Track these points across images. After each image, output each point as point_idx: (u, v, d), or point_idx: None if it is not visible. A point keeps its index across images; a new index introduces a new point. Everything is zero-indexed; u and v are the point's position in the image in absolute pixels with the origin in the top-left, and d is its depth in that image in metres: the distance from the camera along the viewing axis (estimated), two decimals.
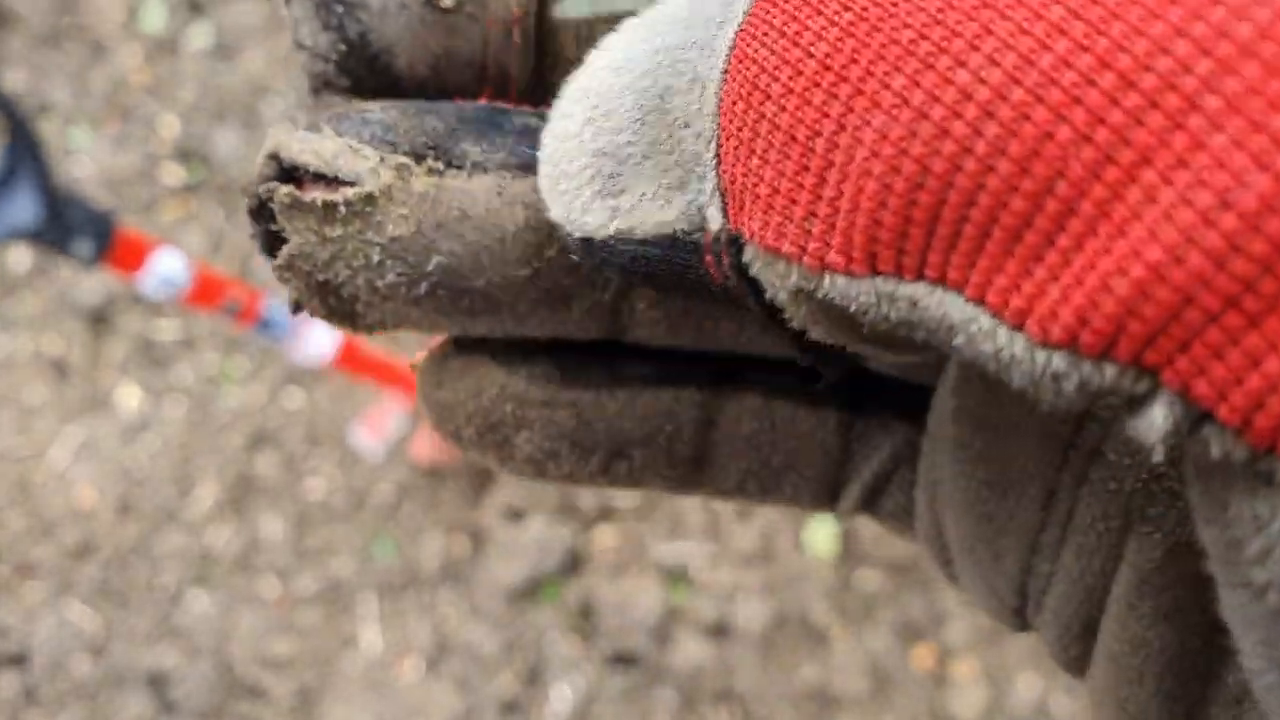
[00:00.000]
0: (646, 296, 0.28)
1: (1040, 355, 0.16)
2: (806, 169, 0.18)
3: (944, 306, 0.17)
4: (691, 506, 1.76)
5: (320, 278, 0.26)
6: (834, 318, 0.20)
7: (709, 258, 0.22)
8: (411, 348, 1.82)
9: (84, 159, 2.00)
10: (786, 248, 0.19)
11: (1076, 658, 0.27)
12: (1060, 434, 0.26)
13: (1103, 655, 0.26)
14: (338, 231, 0.25)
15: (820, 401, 0.29)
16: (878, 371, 0.29)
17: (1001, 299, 0.16)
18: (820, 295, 0.19)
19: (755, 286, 0.21)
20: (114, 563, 1.81)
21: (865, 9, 0.18)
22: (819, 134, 0.18)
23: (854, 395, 0.30)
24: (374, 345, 1.59)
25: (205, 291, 1.25)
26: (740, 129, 0.20)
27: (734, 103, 0.20)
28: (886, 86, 0.17)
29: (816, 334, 0.22)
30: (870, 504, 0.30)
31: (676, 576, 1.75)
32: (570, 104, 0.23)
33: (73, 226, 1.11)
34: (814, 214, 0.18)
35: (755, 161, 0.19)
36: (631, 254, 0.23)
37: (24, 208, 1.08)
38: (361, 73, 0.27)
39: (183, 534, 1.82)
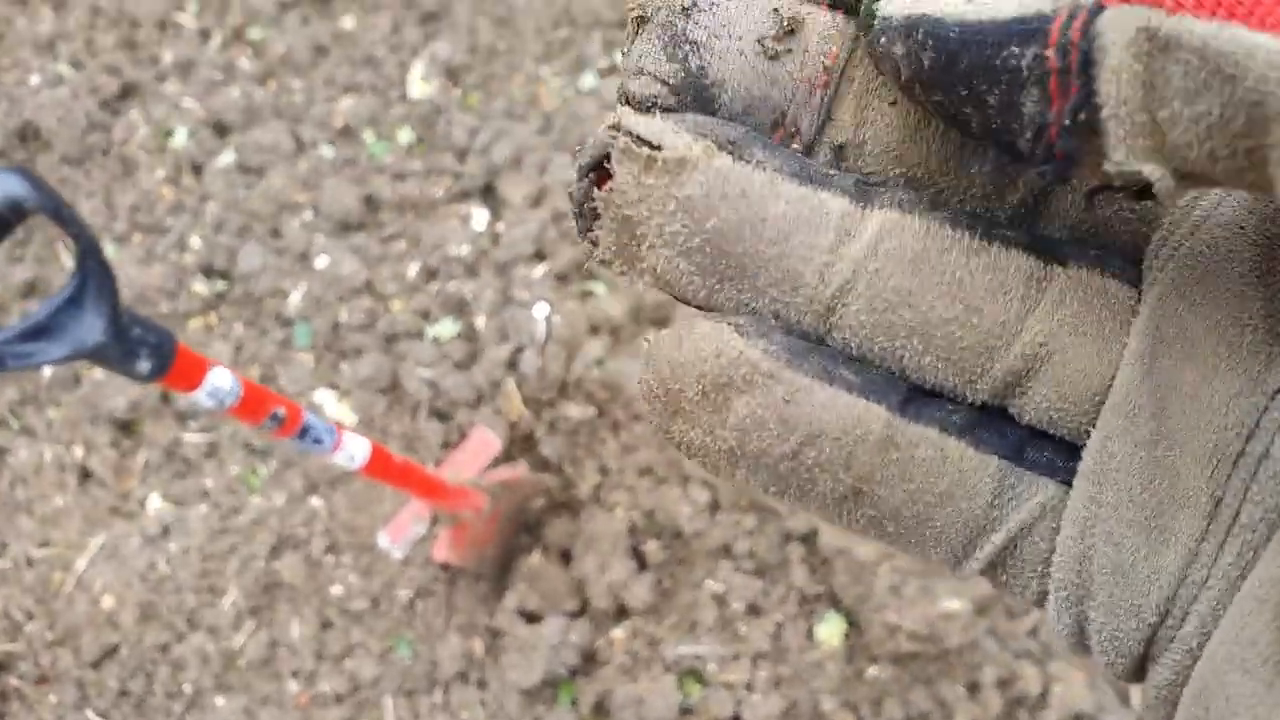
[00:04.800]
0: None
1: None
2: None
3: None
4: (704, 603, 1.81)
5: (627, 212, 0.33)
6: (1157, 74, 0.24)
7: (1054, 25, 0.25)
8: (428, 459, 1.88)
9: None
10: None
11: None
12: (1232, 447, 0.29)
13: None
14: (651, 180, 0.32)
15: (985, 444, 0.33)
16: (1038, 428, 0.33)
17: None
18: (1163, 38, 0.23)
19: (1086, 65, 0.25)
20: (135, 670, 1.84)
21: None
22: None
23: (1015, 446, 0.33)
24: (400, 454, 1.65)
25: (253, 405, 1.31)
26: None
27: None
28: None
29: (1120, 111, 0.25)
30: (1006, 555, 0.33)
31: (690, 674, 1.79)
32: None
33: (137, 345, 1.16)
34: None
35: None
36: (957, 38, 0.27)
37: (90, 327, 1.13)
38: (688, 99, 0.35)
39: (205, 638, 1.85)
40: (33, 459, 1.99)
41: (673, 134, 0.33)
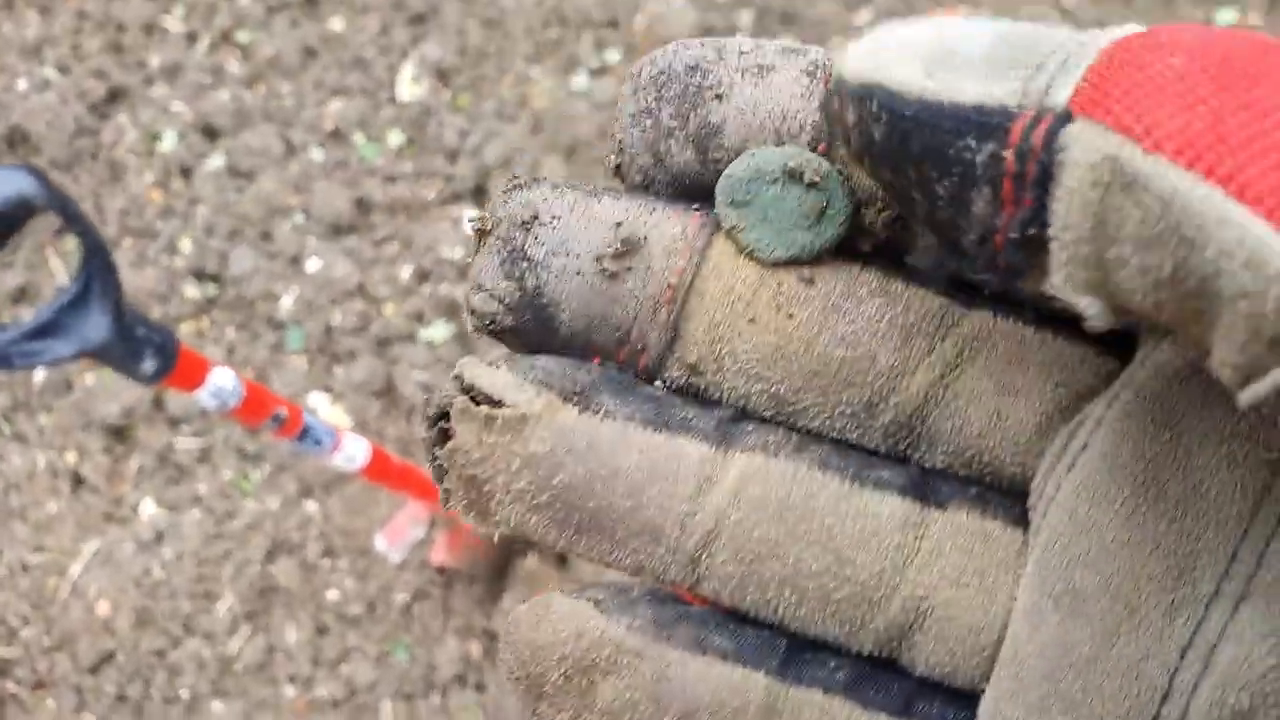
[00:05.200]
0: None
1: None
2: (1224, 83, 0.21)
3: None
4: None
5: (470, 471, 0.32)
6: (1112, 210, 0.22)
7: (1017, 125, 0.24)
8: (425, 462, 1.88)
9: None
10: (1140, 129, 0.22)
11: None
12: (1256, 485, 0.27)
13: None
14: (492, 438, 0.32)
15: (872, 703, 0.31)
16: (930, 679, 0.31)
17: None
18: (1129, 174, 0.22)
19: (1043, 179, 0.23)
20: (131, 675, 1.83)
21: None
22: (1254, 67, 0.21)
23: (905, 699, 0.31)
24: (399, 457, 1.65)
25: (254, 406, 1.31)
26: (1143, 61, 0.23)
27: (1128, 46, 0.23)
28: None
29: (1064, 236, 0.23)
30: None
31: None
32: (902, 23, 0.27)
33: (141, 344, 1.16)
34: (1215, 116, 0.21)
35: (1157, 68, 0.22)
36: (912, 116, 0.25)
37: (96, 326, 1.12)
38: (526, 319, 0.34)
39: (201, 644, 1.84)
40: (26, 465, 1.98)
41: (515, 388, 0.32)
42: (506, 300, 0.33)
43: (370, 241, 2.05)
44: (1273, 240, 0.20)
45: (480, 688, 1.80)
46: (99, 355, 1.14)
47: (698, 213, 0.34)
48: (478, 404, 0.32)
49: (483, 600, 1.86)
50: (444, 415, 0.33)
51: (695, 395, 0.34)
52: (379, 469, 1.54)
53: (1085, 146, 0.22)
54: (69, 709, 1.82)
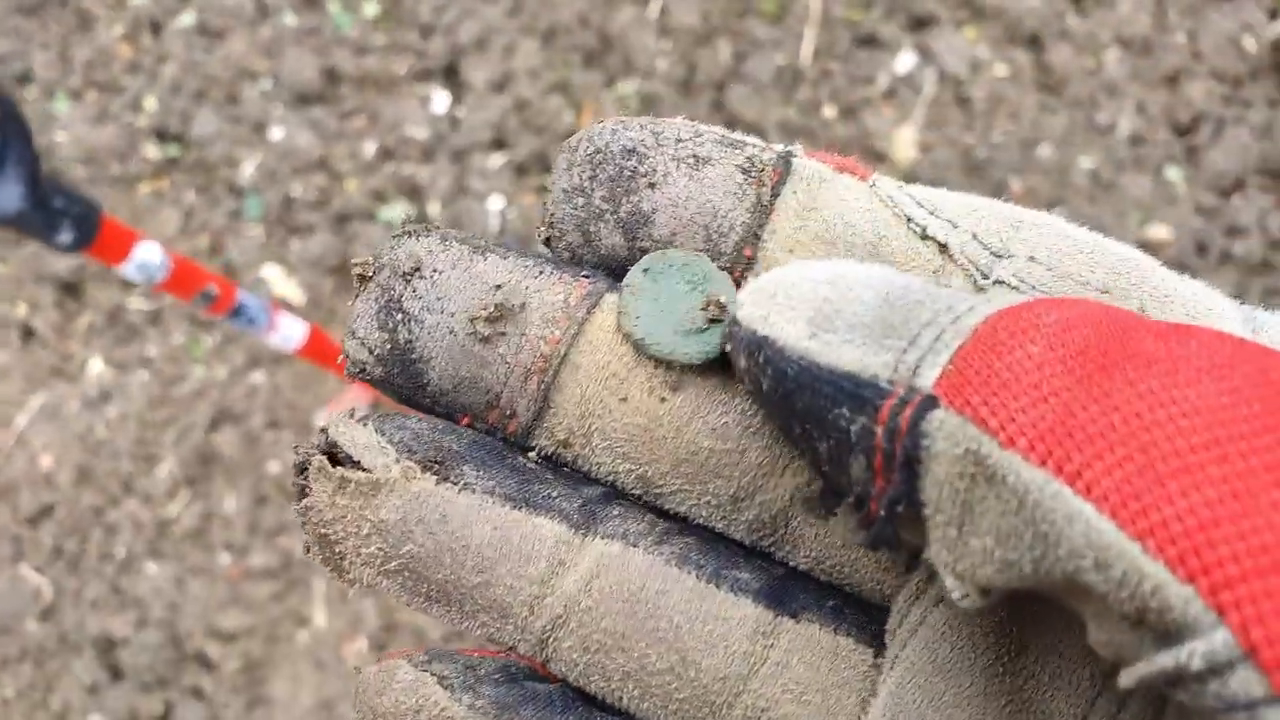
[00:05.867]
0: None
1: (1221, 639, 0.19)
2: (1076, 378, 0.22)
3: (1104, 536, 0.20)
4: None
5: (322, 530, 0.32)
6: (977, 502, 0.23)
7: (886, 404, 0.25)
8: None
9: (62, 130, 2.03)
10: (996, 424, 0.22)
11: None
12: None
13: None
14: (344, 501, 0.32)
15: None
16: None
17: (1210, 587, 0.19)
18: (989, 469, 0.22)
19: (909, 462, 0.24)
20: (70, 530, 1.85)
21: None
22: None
23: None
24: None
25: (183, 280, 1.29)
26: (1005, 347, 0.24)
27: (1001, 327, 0.24)
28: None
29: (936, 518, 0.24)
30: None
31: None
32: (803, 264, 0.29)
33: (58, 215, 1.13)
34: (1068, 416, 0.22)
35: (1016, 356, 0.23)
36: (794, 376, 0.26)
37: (8, 195, 1.10)
38: (394, 373, 0.33)
39: (140, 505, 1.86)
40: None
41: (375, 451, 0.32)
42: (376, 351, 0.33)
43: (337, 114, 2.01)
44: (1118, 541, 0.20)
45: None
46: (11, 224, 1.12)
47: (585, 280, 0.34)
48: (337, 463, 0.32)
49: None
50: (305, 467, 0.33)
51: (567, 465, 0.34)
52: (317, 350, 1.53)
53: (948, 437, 0.23)
54: (6, 557, 1.84)
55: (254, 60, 2.05)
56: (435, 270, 0.33)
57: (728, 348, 0.30)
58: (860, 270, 0.28)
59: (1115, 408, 0.21)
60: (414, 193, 1.94)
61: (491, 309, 0.33)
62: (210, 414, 1.89)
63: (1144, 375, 0.22)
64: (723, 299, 0.32)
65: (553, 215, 0.34)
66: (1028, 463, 0.22)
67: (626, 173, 0.33)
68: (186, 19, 2.08)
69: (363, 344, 0.33)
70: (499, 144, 1.95)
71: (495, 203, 1.90)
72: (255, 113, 2.01)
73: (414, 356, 0.33)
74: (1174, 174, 1.89)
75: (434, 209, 1.92)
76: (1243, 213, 1.85)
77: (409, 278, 0.33)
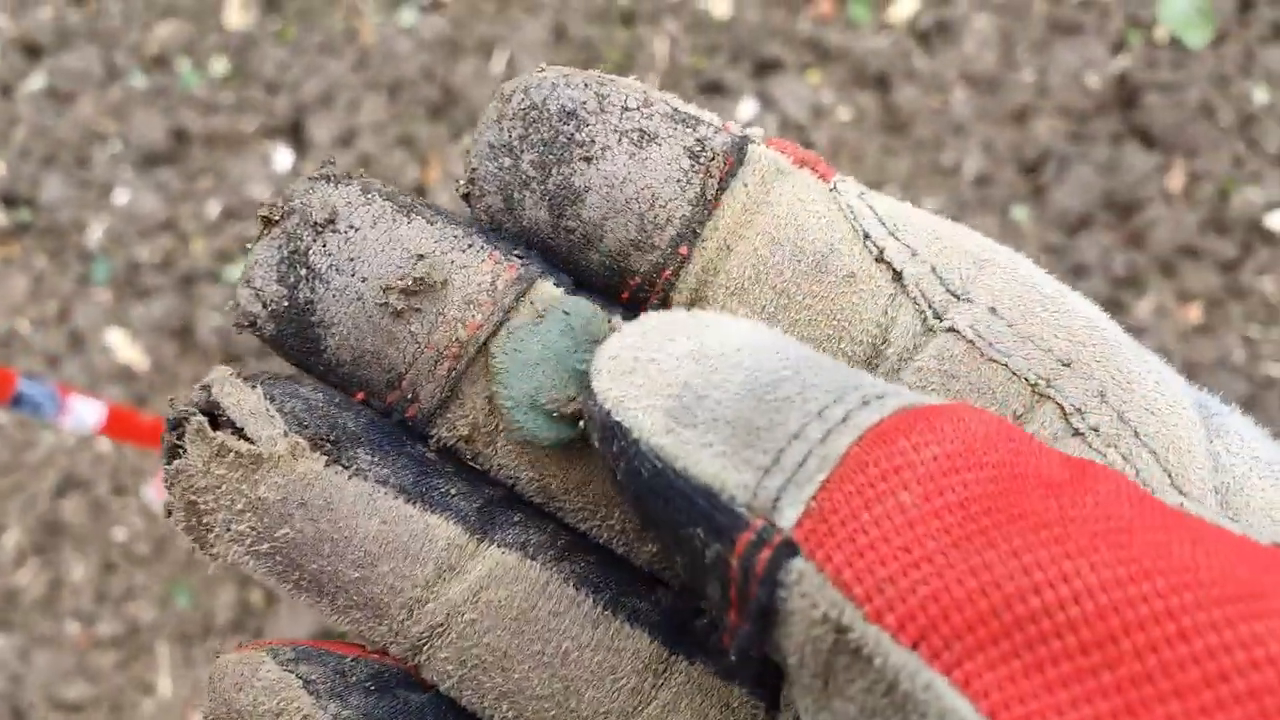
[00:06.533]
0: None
1: None
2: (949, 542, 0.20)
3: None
4: None
5: (191, 497, 0.29)
6: (839, 671, 0.21)
7: (742, 537, 0.22)
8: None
9: None
10: (861, 592, 0.20)
11: None
12: None
13: None
14: (220, 471, 0.29)
15: None
16: None
17: None
18: (851, 641, 0.20)
19: (763, 613, 0.22)
20: None
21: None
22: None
23: None
24: (149, 413, 1.63)
25: None
26: (875, 491, 0.21)
27: (873, 460, 0.21)
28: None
29: (798, 673, 0.22)
30: None
31: None
32: (667, 326, 0.25)
33: None
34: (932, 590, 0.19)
35: (887, 506, 0.21)
36: (648, 479, 0.23)
37: None
38: (288, 333, 0.30)
39: None
40: None
41: (262, 419, 0.29)
42: (271, 306, 0.30)
43: (184, 174, 2.00)
44: None
45: (258, 635, 1.81)
46: None
47: (517, 261, 0.30)
48: (217, 426, 0.29)
49: None
50: (181, 425, 0.30)
51: (465, 461, 0.31)
52: (121, 428, 1.52)
53: (806, 596, 0.21)
54: None
55: (103, 122, 2.04)
56: (351, 226, 0.29)
57: (588, 414, 0.27)
58: (732, 340, 0.24)
59: (996, 584, 0.19)
60: None
61: (410, 281, 0.29)
62: (56, 480, 1.89)
63: (1031, 543, 0.19)
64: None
65: (474, 170, 0.31)
66: (897, 643, 0.19)
67: (562, 139, 0.30)
68: (36, 81, 2.08)
69: (256, 295, 0.30)
70: None
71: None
72: (104, 175, 2.01)
73: (313, 319, 0.30)
74: (1020, 213, 1.87)
75: None
76: (1088, 251, 1.83)
77: (320, 229, 0.29)
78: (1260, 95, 1.87)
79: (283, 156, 1.98)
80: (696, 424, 0.23)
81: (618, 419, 0.24)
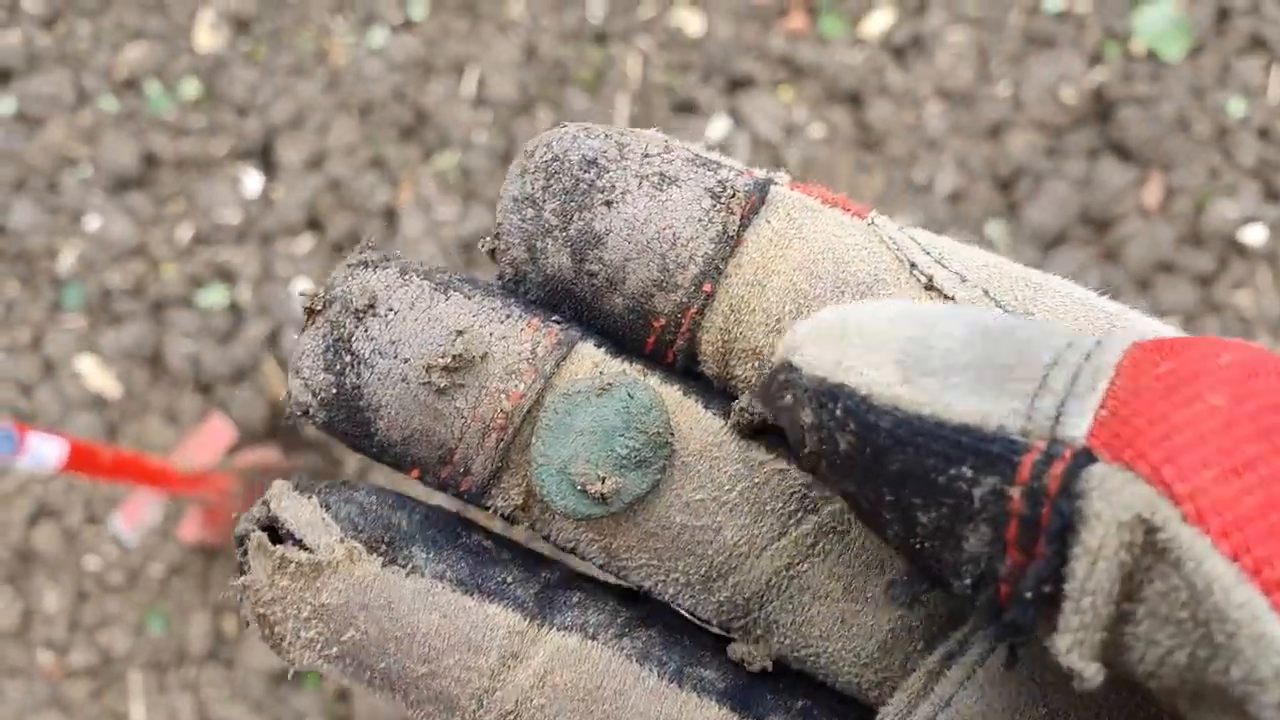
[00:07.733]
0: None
1: None
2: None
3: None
4: None
5: (261, 610, 0.30)
6: (1139, 583, 0.19)
7: (1026, 459, 0.21)
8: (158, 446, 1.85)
9: None
10: (1184, 490, 0.18)
11: None
12: None
13: None
14: (284, 582, 0.30)
15: None
16: None
17: None
18: (1162, 543, 0.19)
19: (1063, 529, 0.20)
20: None
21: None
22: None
23: None
24: (116, 447, 1.62)
25: None
26: (1179, 395, 0.19)
27: (1147, 367, 0.20)
28: None
29: (1082, 601, 0.20)
30: None
31: None
32: (855, 304, 0.25)
33: None
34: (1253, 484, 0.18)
35: (1197, 409, 0.19)
36: (888, 430, 0.22)
37: None
38: (339, 419, 0.31)
39: None
40: None
41: (319, 528, 0.29)
42: (321, 395, 0.31)
43: (155, 198, 1.99)
44: None
45: (231, 664, 1.80)
46: None
47: (556, 327, 0.31)
48: (278, 540, 0.30)
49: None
50: (243, 542, 0.31)
51: (529, 526, 0.32)
52: (84, 464, 1.51)
53: (1112, 499, 0.19)
54: None
55: (73, 147, 2.03)
56: (391, 310, 0.30)
57: (753, 411, 0.26)
58: (930, 307, 0.23)
59: None
60: (227, 275, 1.92)
61: (450, 359, 0.30)
62: (29, 510, 1.88)
63: None
64: (648, 446, 0.29)
65: (500, 225, 0.31)
66: (1217, 551, 0.18)
67: (583, 186, 0.30)
68: (5, 106, 2.06)
69: (306, 385, 0.31)
70: (313, 224, 1.93)
71: (298, 286, 1.88)
72: (74, 201, 2.00)
73: (361, 404, 0.30)
74: (995, 229, 1.86)
75: (245, 294, 1.90)
76: (1064, 267, 1.82)
77: (361, 315, 0.30)
78: (1236, 107, 1.85)
79: (252, 180, 1.96)
80: (934, 372, 0.22)
81: (839, 380, 0.23)
